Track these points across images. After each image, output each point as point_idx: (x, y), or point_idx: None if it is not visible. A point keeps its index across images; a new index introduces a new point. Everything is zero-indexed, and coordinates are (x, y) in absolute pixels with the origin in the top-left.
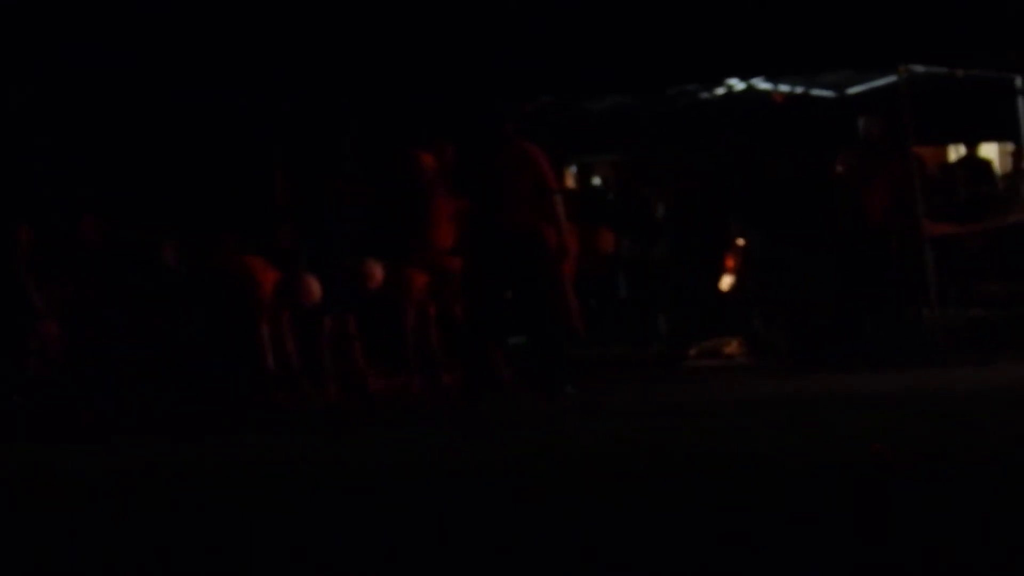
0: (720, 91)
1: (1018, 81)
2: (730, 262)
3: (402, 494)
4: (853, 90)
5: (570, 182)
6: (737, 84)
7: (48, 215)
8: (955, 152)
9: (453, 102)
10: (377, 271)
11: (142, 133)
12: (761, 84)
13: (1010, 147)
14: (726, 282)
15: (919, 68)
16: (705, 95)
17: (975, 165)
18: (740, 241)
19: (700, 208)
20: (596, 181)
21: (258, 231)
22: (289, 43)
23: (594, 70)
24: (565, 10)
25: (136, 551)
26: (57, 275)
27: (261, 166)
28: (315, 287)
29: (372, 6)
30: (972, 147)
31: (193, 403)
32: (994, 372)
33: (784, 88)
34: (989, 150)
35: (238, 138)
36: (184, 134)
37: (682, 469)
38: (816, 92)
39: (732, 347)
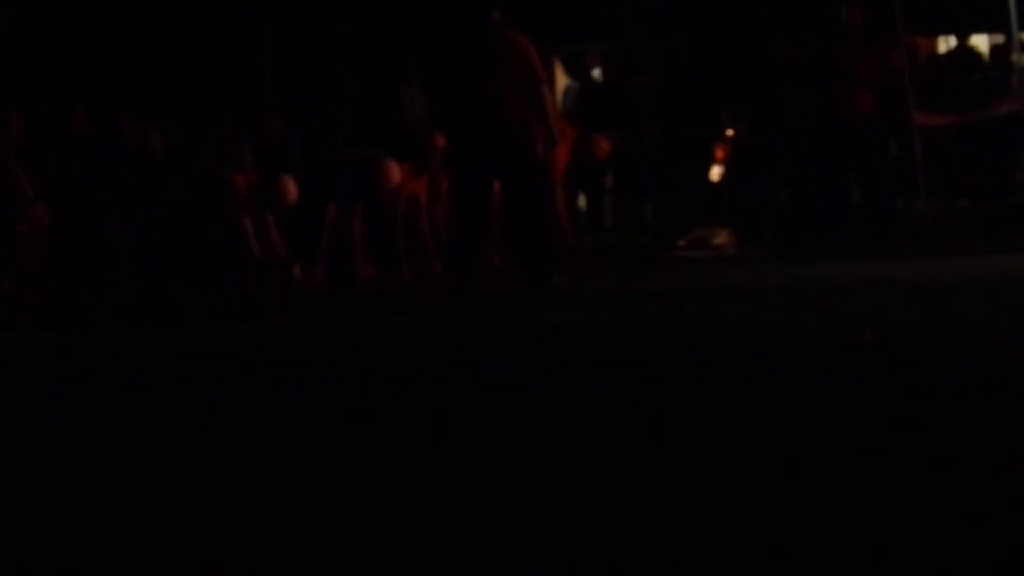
0: None
1: None
2: (720, 153)
3: (385, 372)
4: None
5: (559, 74)
6: None
7: (39, 103)
8: (945, 44)
9: None
10: (394, 171)
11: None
12: None
13: (1000, 38)
14: (715, 173)
15: None
16: None
17: (965, 56)
18: (730, 132)
19: (690, 98)
20: (596, 74)
21: (247, 120)
22: None
23: None
24: None
25: (125, 434)
26: (47, 162)
27: (249, 54)
28: (291, 188)
29: None
30: (963, 38)
31: (182, 290)
32: (981, 262)
33: None
34: (980, 41)
35: (226, 24)
36: (173, 21)
37: (673, 351)
38: None
39: (721, 238)
